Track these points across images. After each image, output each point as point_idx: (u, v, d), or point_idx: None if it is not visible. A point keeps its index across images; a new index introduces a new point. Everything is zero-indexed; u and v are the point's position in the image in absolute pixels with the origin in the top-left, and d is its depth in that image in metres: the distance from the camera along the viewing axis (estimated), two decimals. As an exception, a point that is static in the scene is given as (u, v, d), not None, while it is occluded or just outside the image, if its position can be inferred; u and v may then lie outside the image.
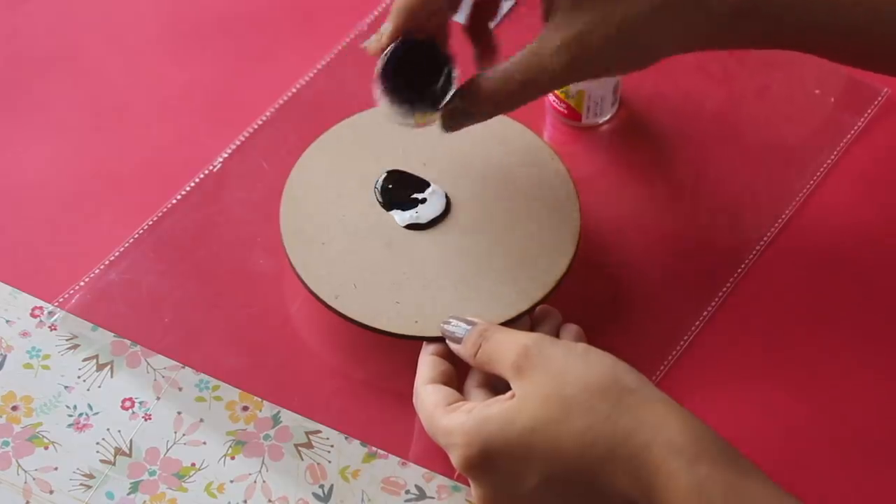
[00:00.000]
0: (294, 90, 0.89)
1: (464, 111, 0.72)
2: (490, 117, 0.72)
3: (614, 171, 0.87)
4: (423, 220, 0.78)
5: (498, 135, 0.82)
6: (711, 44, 0.72)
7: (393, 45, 0.71)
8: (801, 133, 0.88)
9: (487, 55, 0.77)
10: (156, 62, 0.92)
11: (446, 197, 0.79)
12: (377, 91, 0.72)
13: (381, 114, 0.73)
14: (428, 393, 0.69)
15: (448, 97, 0.72)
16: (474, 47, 0.77)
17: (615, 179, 0.86)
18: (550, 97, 0.88)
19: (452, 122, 0.73)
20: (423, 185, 0.80)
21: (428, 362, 0.72)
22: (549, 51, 0.69)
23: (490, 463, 0.64)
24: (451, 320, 0.72)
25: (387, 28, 0.71)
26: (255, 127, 0.87)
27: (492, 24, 0.77)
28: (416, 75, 0.72)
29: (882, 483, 0.74)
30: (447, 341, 0.71)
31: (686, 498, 0.60)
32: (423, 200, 0.79)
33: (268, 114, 0.88)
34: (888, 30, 0.70)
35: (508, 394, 0.66)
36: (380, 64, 0.71)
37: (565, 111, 0.88)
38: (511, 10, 0.93)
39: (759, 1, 0.69)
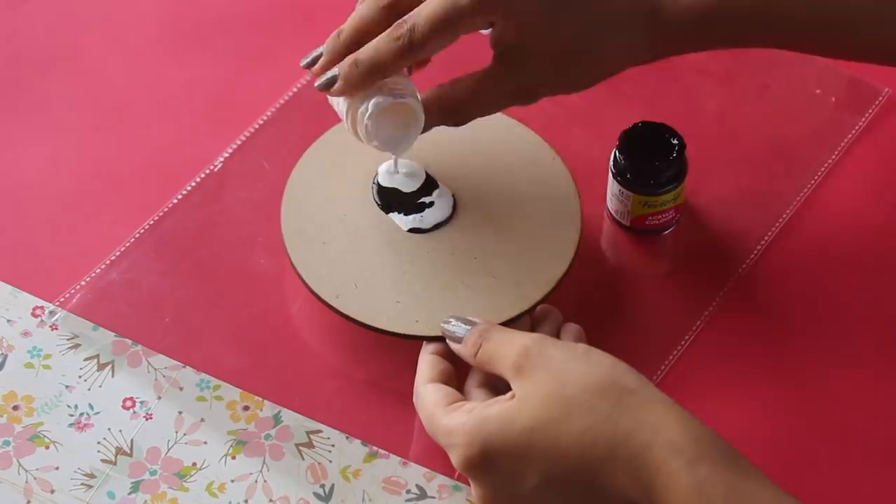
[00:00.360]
0: (295, 90, 0.89)
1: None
2: (440, 124, 0.74)
3: (614, 171, 0.87)
4: (427, 224, 0.78)
5: (499, 135, 0.82)
6: (667, 52, 0.75)
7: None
8: (801, 133, 0.88)
9: None
10: (156, 62, 0.92)
11: (453, 198, 0.79)
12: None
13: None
14: (428, 392, 0.69)
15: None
16: None
17: (615, 179, 0.86)
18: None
19: None
20: (430, 186, 0.79)
21: (428, 362, 0.72)
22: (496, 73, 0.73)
23: (490, 463, 0.64)
24: (451, 320, 0.72)
25: None
26: (256, 127, 0.87)
27: None
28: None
29: (882, 483, 0.74)
30: (447, 341, 0.71)
31: (686, 498, 0.60)
32: (431, 204, 0.79)
33: (268, 113, 0.88)
34: (855, 15, 0.73)
35: (509, 394, 0.66)
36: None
37: (566, 111, 0.88)
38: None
39: (721, 5, 0.72)
